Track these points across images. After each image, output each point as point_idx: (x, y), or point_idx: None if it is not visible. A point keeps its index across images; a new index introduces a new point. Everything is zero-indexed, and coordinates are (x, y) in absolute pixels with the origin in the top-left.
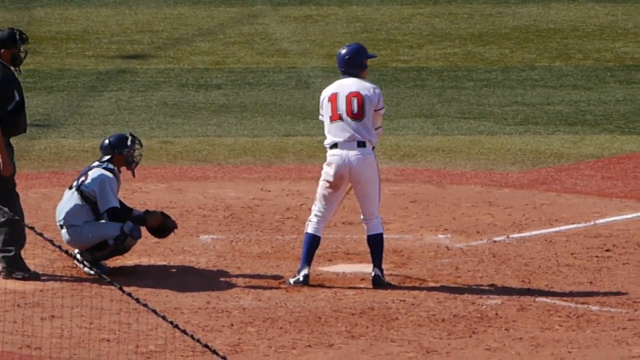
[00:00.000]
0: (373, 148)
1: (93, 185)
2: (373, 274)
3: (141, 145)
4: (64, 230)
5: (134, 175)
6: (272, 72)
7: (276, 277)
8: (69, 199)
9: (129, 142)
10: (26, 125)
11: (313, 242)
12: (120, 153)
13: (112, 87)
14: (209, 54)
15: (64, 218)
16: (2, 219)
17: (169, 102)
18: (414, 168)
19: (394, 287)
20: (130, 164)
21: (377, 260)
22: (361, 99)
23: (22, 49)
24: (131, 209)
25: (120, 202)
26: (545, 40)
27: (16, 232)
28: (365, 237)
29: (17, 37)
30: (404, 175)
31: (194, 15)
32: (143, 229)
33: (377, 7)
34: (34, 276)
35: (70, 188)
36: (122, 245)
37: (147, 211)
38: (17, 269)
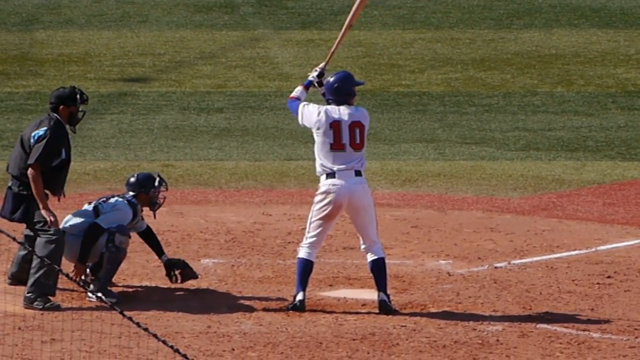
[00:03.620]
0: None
1: (109, 207)
2: (379, 298)
3: (167, 188)
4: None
5: (154, 217)
6: (274, 96)
7: (277, 302)
8: (83, 213)
9: (156, 183)
10: (64, 184)
11: (307, 267)
12: (147, 192)
13: (113, 109)
14: (211, 78)
15: (68, 225)
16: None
17: (171, 125)
18: (415, 193)
19: (399, 313)
20: (154, 205)
21: (382, 285)
22: (363, 129)
23: (80, 108)
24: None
25: (156, 240)
26: (547, 66)
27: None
28: (368, 263)
29: (78, 96)
30: (405, 201)
31: (196, 39)
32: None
33: (379, 31)
34: (55, 307)
35: (90, 204)
36: (114, 246)
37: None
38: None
